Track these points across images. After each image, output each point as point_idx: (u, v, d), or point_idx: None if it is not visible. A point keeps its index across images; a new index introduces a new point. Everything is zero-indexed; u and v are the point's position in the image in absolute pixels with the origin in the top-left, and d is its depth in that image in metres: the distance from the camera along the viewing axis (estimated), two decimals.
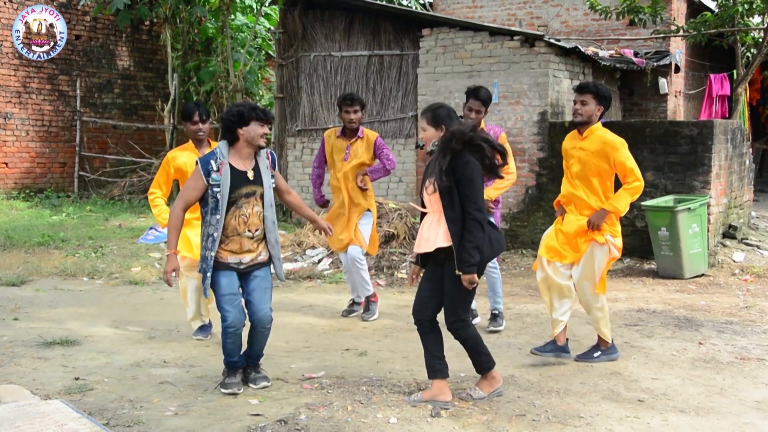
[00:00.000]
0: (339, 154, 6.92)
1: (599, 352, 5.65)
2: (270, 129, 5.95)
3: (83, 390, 4.88)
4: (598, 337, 5.69)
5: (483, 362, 4.83)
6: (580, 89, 5.51)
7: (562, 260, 5.55)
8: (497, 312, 6.61)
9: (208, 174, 4.83)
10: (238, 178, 4.86)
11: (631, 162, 5.39)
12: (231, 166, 4.84)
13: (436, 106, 4.79)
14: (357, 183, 6.87)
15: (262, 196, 4.95)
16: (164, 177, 6.26)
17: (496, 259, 6.47)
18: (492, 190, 6.25)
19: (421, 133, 4.83)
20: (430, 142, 4.77)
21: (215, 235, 4.82)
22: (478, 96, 6.20)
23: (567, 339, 5.63)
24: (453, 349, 5.78)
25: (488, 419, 4.46)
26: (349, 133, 6.91)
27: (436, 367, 4.76)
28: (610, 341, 5.66)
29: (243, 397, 4.80)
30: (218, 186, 4.80)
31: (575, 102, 5.51)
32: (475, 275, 4.55)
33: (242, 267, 4.93)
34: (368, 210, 7.02)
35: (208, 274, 4.86)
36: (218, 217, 4.82)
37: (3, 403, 4.29)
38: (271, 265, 5.08)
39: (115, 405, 4.63)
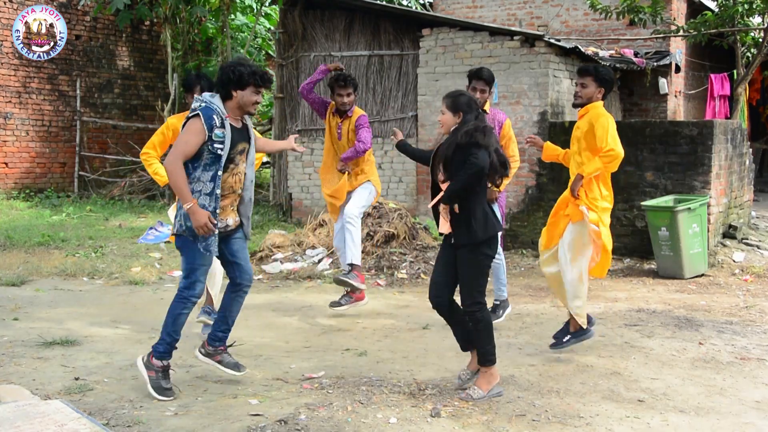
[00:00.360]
0: (333, 129, 7.05)
1: (568, 336, 5.64)
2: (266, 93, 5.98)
3: (83, 390, 4.88)
4: (569, 318, 5.69)
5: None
6: (580, 72, 5.58)
7: (550, 245, 5.60)
8: (499, 302, 6.59)
9: (211, 129, 4.64)
10: (236, 134, 4.76)
11: (610, 132, 5.36)
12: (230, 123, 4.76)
13: (457, 93, 4.92)
14: (337, 168, 6.93)
15: (248, 153, 4.89)
16: (160, 139, 6.25)
17: (500, 246, 6.44)
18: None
19: (440, 116, 4.93)
20: (446, 126, 4.87)
21: (217, 192, 4.69)
22: (481, 76, 6.25)
23: (589, 316, 5.66)
24: (453, 349, 5.77)
25: (488, 419, 4.46)
26: (341, 112, 7.00)
27: (491, 354, 4.82)
28: (585, 326, 5.61)
29: (243, 397, 4.80)
30: (221, 142, 4.66)
31: (576, 85, 5.57)
32: (447, 206, 4.72)
33: (228, 229, 4.88)
34: (368, 181, 7.05)
35: (216, 232, 4.73)
36: (217, 173, 4.68)
37: (3, 403, 4.28)
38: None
39: (115, 405, 4.63)
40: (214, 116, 4.67)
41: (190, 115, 4.77)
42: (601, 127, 5.38)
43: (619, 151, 5.35)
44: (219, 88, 4.79)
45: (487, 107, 6.35)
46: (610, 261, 5.66)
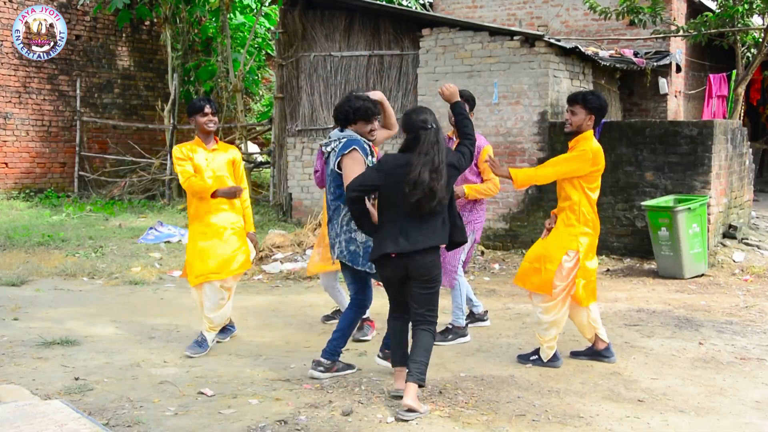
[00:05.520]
0: None
1: (536, 357, 5.57)
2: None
3: (83, 390, 4.88)
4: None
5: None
6: (569, 100, 5.49)
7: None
8: (450, 326, 6.21)
9: (366, 156, 5.00)
10: None
11: (558, 160, 5.41)
12: None
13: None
14: None
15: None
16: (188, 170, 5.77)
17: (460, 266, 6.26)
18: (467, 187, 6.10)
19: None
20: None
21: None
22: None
23: (608, 343, 5.62)
24: (453, 349, 5.77)
25: (488, 419, 4.46)
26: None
27: None
28: (545, 361, 5.53)
29: (243, 397, 4.80)
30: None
31: (567, 112, 5.50)
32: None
33: None
34: None
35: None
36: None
37: (3, 403, 4.28)
38: None
39: (115, 405, 4.63)
40: (364, 144, 5.03)
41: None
42: (566, 156, 5.39)
43: (543, 176, 5.47)
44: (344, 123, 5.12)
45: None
46: (587, 287, 5.41)
